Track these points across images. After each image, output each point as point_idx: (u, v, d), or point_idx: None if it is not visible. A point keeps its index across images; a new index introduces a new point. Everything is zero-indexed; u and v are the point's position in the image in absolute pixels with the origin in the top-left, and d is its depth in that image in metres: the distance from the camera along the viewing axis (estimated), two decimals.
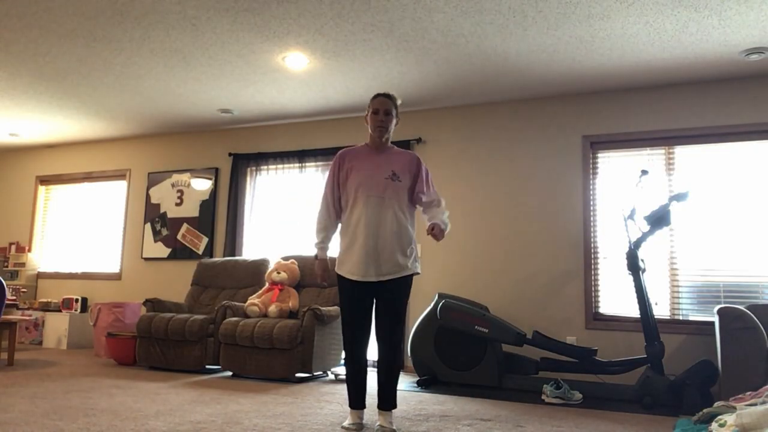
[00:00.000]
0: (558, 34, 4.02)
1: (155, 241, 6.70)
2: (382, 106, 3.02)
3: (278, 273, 5.22)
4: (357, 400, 3.04)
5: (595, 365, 4.30)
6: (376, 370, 3.27)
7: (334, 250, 3.42)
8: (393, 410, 3.06)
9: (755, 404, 2.83)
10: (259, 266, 5.63)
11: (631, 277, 4.29)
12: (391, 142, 3.17)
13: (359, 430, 2.99)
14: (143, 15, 3.90)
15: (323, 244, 3.11)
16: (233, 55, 4.52)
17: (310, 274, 5.37)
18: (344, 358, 3.04)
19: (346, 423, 3.05)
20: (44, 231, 7.54)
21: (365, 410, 3.09)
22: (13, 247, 7.40)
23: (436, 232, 2.95)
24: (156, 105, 5.79)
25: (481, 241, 5.34)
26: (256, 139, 6.44)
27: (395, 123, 3.10)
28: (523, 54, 4.36)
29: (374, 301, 3.01)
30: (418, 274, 3.06)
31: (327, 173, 3.26)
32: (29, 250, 7.40)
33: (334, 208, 3.11)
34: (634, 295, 4.53)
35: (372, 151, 3.08)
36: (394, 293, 2.95)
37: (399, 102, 3.10)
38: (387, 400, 2.98)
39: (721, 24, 3.80)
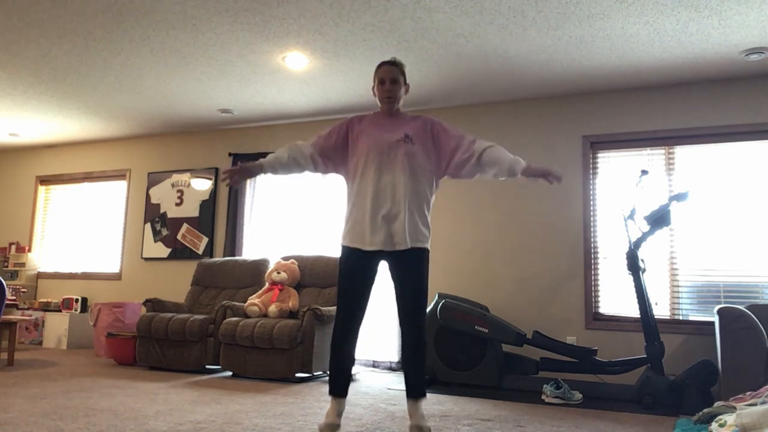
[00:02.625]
0: (558, 34, 4.02)
1: (155, 241, 6.70)
2: (388, 74, 2.77)
3: (278, 273, 5.22)
4: (338, 385, 2.72)
5: (595, 365, 4.30)
6: (400, 357, 2.95)
7: (334, 249, 3.20)
8: (423, 399, 2.74)
9: (755, 404, 2.83)
10: (259, 266, 5.63)
11: (631, 277, 4.29)
12: None
13: None
14: (143, 15, 3.90)
15: (271, 158, 2.78)
16: (233, 55, 4.52)
17: (310, 274, 5.37)
18: (332, 336, 2.74)
19: (322, 422, 2.77)
20: (44, 231, 7.54)
21: (345, 403, 2.79)
22: (13, 247, 7.40)
23: (549, 176, 2.55)
24: (156, 105, 5.79)
25: (481, 241, 5.34)
26: (256, 139, 6.44)
27: (405, 90, 2.86)
28: (523, 54, 4.36)
29: (376, 277, 2.75)
30: (428, 250, 2.75)
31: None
32: (29, 250, 7.40)
33: (321, 152, 2.80)
34: (634, 295, 4.53)
35: (383, 117, 2.84)
36: (410, 266, 2.67)
37: (405, 68, 2.80)
38: (415, 386, 2.70)
39: (721, 24, 3.80)
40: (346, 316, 2.71)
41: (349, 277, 2.71)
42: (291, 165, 2.83)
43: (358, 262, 2.71)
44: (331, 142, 2.83)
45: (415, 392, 2.72)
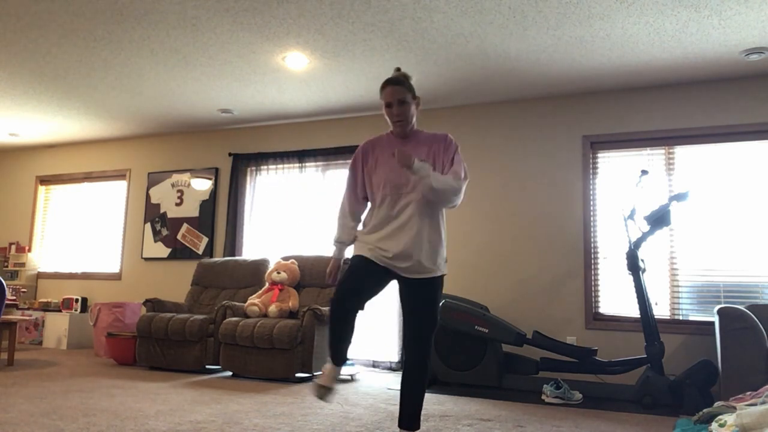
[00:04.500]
0: (558, 34, 4.02)
1: (155, 241, 6.70)
2: (394, 96, 2.54)
3: (278, 273, 5.22)
4: (339, 354, 2.53)
5: (595, 365, 4.30)
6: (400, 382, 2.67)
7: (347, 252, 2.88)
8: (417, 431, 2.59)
9: (755, 404, 2.83)
10: (259, 266, 5.63)
11: (631, 277, 4.29)
12: None
13: (324, 395, 2.56)
14: (143, 15, 3.90)
15: (340, 244, 2.70)
16: (233, 55, 4.52)
17: (310, 274, 5.37)
18: (330, 309, 2.49)
19: (319, 382, 2.58)
20: (44, 231, 7.54)
21: (341, 370, 2.64)
22: (13, 247, 7.40)
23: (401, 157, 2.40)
24: (156, 105, 5.79)
25: (481, 240, 5.34)
26: (256, 139, 6.44)
27: (415, 106, 2.62)
28: (523, 54, 4.36)
29: (386, 284, 2.60)
30: (444, 275, 2.66)
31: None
32: (29, 250, 7.39)
33: (357, 208, 2.71)
34: (634, 295, 4.53)
35: (397, 141, 2.65)
36: (427, 293, 2.57)
37: (413, 80, 2.59)
38: (409, 417, 2.56)
39: (721, 24, 3.80)
40: (345, 289, 2.48)
41: (356, 268, 2.53)
42: (351, 240, 2.73)
43: (367, 261, 2.54)
44: (361, 194, 2.72)
45: (410, 423, 2.57)
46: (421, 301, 2.58)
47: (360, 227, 2.73)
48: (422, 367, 2.58)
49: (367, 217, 2.70)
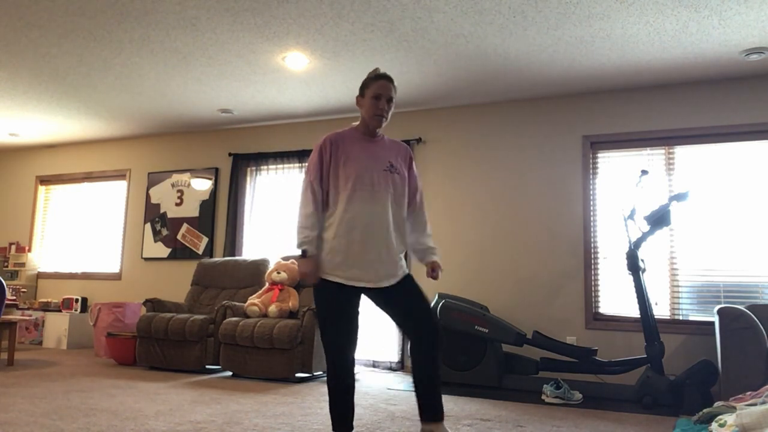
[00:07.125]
0: (558, 34, 4.02)
1: (155, 241, 6.70)
2: (386, 91, 2.52)
3: (278, 273, 5.22)
4: (345, 423, 2.50)
5: (595, 365, 4.30)
6: (411, 373, 2.62)
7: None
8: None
9: (755, 404, 2.84)
10: (259, 266, 5.63)
11: (631, 277, 4.29)
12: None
13: None
14: (143, 15, 3.90)
15: (314, 241, 2.49)
16: (233, 55, 4.52)
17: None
18: (328, 373, 2.51)
19: None
20: (44, 231, 7.54)
21: None
22: (13, 247, 7.40)
23: (436, 273, 2.64)
24: (156, 105, 5.79)
25: (481, 241, 5.34)
26: (256, 139, 6.44)
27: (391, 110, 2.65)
28: (523, 54, 4.36)
29: (360, 308, 2.56)
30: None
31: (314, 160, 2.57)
32: (29, 250, 7.39)
33: (322, 201, 2.54)
34: (634, 295, 4.53)
35: (366, 139, 2.59)
36: (405, 287, 2.55)
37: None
38: (437, 405, 2.51)
39: (721, 24, 3.80)
40: (344, 348, 2.48)
41: (339, 310, 2.48)
42: (318, 224, 2.55)
43: (341, 293, 2.49)
44: (326, 186, 2.56)
45: (440, 411, 2.51)
46: (411, 291, 2.55)
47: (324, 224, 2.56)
48: (437, 333, 2.55)
49: (333, 221, 2.51)
